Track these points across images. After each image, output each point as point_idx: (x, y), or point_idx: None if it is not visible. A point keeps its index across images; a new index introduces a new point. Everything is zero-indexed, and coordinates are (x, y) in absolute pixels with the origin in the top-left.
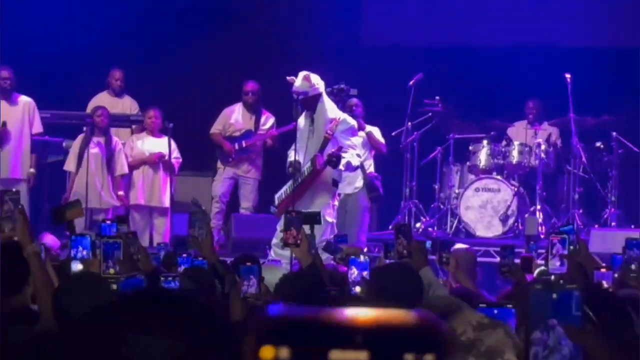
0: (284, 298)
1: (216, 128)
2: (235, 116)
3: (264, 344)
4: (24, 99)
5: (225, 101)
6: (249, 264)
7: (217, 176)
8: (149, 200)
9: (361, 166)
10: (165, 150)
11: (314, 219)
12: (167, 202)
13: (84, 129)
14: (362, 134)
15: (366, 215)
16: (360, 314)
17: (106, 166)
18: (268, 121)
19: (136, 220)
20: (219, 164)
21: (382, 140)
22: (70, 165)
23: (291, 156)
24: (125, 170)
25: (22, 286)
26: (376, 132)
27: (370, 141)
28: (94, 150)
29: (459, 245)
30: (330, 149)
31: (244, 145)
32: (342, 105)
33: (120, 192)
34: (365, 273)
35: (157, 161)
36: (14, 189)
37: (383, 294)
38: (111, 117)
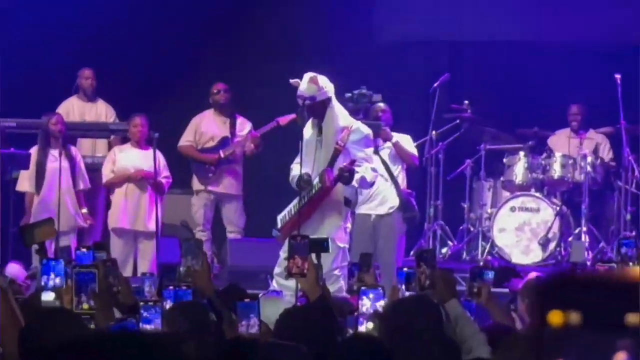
0: (287, 336)
1: (186, 140)
2: (207, 123)
3: (551, 309)
4: None
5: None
6: (247, 300)
7: (195, 199)
8: (134, 224)
9: (395, 182)
10: (152, 165)
11: (321, 246)
12: (154, 226)
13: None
14: (389, 144)
15: (403, 240)
16: None
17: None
18: (245, 127)
19: (118, 247)
20: (196, 183)
21: (412, 150)
22: (24, 184)
23: (296, 169)
24: (87, 184)
25: None
26: (406, 141)
27: (398, 153)
28: (63, 164)
29: (532, 274)
30: (341, 162)
31: (222, 155)
32: (365, 113)
33: (84, 210)
34: (379, 305)
35: (144, 179)
36: None
37: (397, 331)
38: (67, 124)
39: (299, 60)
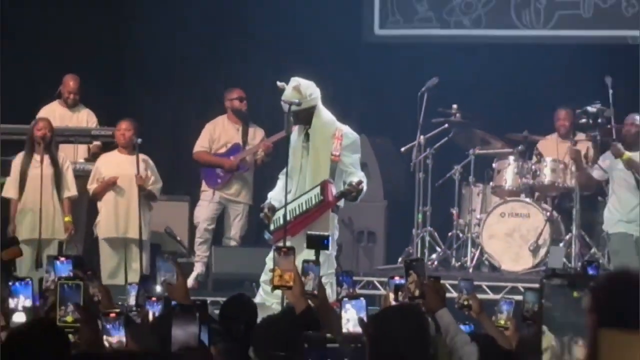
0: (264, 346)
1: (201, 146)
2: (220, 130)
3: None
4: None
5: (204, 111)
6: None
7: (201, 201)
8: (124, 231)
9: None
10: (141, 172)
11: (321, 243)
12: (145, 234)
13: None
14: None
15: None
16: None
17: (56, 189)
18: (257, 135)
19: (108, 256)
20: (204, 187)
21: None
22: (10, 190)
23: (281, 181)
24: (74, 192)
25: None
26: None
27: (632, 169)
28: (46, 171)
29: None
30: (334, 172)
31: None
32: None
33: (67, 218)
34: (363, 315)
35: (136, 185)
36: None
37: (381, 342)
38: (54, 130)
39: (285, 61)
